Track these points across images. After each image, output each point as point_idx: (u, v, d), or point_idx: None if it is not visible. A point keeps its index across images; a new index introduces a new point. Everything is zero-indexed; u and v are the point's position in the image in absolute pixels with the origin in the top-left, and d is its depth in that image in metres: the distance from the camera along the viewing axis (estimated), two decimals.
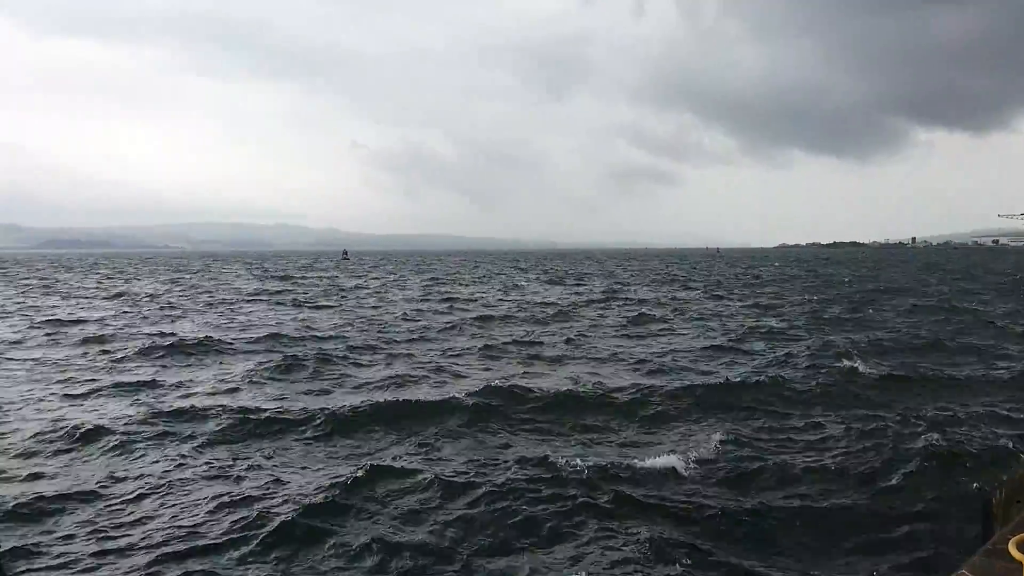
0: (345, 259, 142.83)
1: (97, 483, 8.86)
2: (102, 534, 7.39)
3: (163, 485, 8.79)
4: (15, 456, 10.01)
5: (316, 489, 8.56)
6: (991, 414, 11.93)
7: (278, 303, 36.00)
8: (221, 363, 17.61)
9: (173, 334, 21.91)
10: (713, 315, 29.25)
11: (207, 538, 7.24)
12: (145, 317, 28.92)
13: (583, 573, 6.58)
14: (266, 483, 8.83)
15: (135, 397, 13.73)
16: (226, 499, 8.19)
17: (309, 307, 33.76)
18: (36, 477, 9.17)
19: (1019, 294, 39.26)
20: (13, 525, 7.61)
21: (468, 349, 19.59)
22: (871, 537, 7.36)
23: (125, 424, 11.54)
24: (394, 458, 9.85)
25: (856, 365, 16.19)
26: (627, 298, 38.72)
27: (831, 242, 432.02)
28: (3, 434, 11.07)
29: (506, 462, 9.57)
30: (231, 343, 20.60)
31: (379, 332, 23.21)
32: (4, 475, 9.20)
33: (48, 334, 23.07)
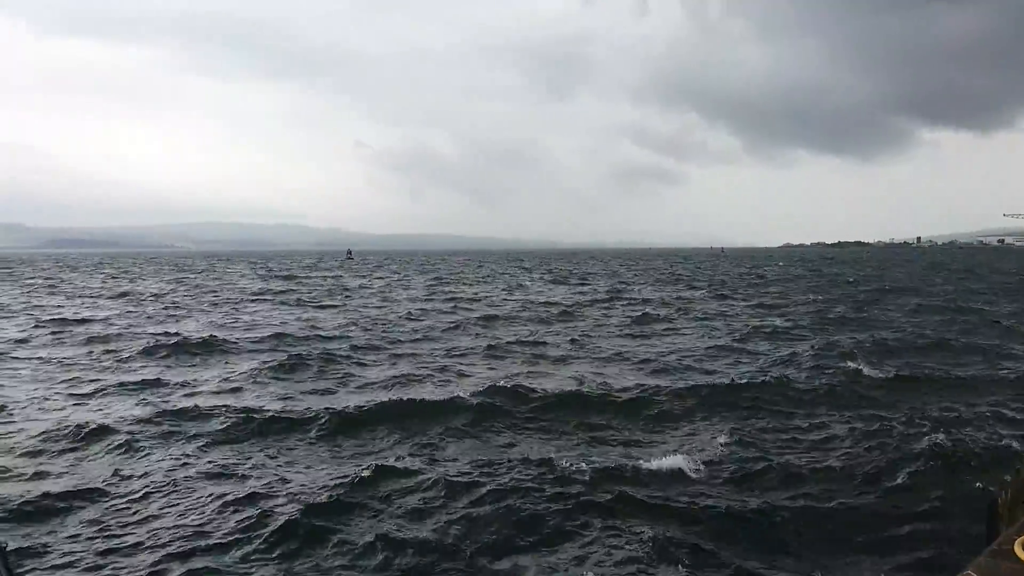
0: (349, 259, 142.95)
1: (102, 482, 8.89)
2: (108, 533, 7.42)
3: (168, 484, 8.81)
4: (21, 455, 10.05)
5: (321, 488, 8.57)
6: (997, 414, 11.90)
7: (282, 303, 36.06)
8: (226, 362, 17.65)
9: (178, 333, 21.96)
10: (717, 315, 29.22)
11: (212, 537, 7.26)
12: (150, 316, 28.99)
13: (588, 573, 6.58)
14: (271, 482, 8.85)
15: (140, 396, 13.77)
16: (231, 498, 8.21)
17: (313, 307, 33.81)
18: (42, 476, 9.21)
19: None
20: (19, 523, 7.65)
21: (472, 349, 19.60)
22: (876, 537, 7.35)
23: (130, 423, 11.57)
24: (398, 458, 9.87)
25: (861, 365, 16.16)
26: (631, 298, 38.70)
27: (835, 242, 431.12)
28: (9, 433, 11.12)
29: (510, 462, 9.57)
30: (236, 342, 20.64)
31: (383, 332, 23.24)
32: (10, 474, 9.24)
33: (53, 333, 23.17)
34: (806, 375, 15.45)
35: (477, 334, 22.95)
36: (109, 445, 10.46)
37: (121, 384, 14.87)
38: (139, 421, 11.70)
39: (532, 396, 13.17)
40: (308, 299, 38.30)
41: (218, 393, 14.15)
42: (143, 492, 8.57)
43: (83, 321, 26.60)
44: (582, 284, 52.84)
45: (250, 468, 9.47)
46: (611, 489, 8.37)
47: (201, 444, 10.58)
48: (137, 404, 13.11)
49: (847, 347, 19.03)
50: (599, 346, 20.32)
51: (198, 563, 6.70)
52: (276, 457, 10.07)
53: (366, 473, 9.06)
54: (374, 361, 17.81)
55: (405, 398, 13.00)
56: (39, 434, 10.94)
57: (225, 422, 11.53)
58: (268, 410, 12.38)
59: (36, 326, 24.67)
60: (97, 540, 7.25)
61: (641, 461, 9.56)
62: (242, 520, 7.63)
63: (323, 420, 11.60)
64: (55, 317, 27.86)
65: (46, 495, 8.36)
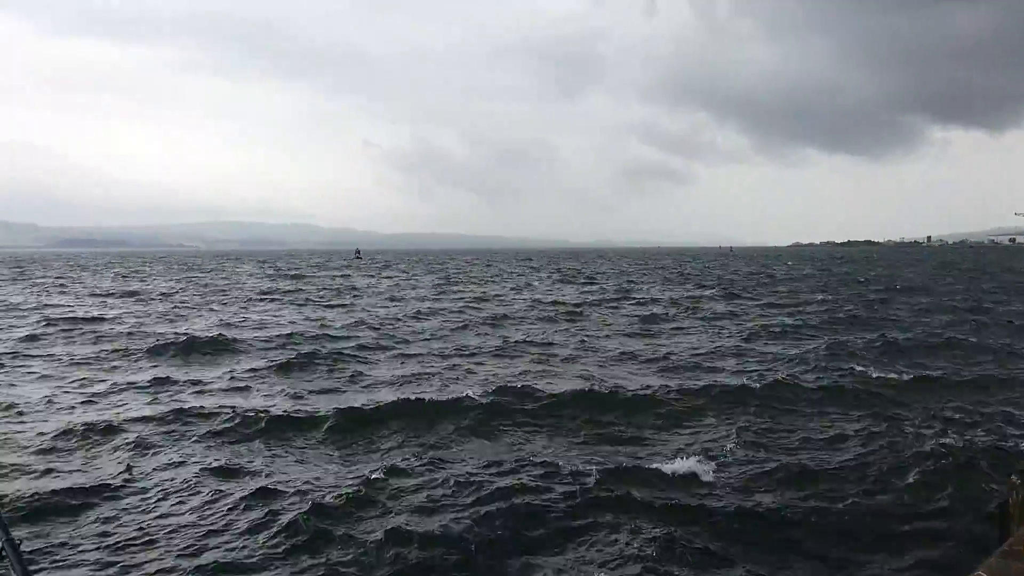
0: (358, 258, 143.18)
1: (114, 480, 8.94)
2: (119, 529, 7.46)
3: (179, 482, 8.86)
4: (33, 453, 10.13)
5: (330, 487, 8.61)
6: (1008, 415, 11.83)
7: (291, 302, 36.16)
8: (235, 361, 17.72)
9: (187, 332, 22.07)
10: (726, 314, 29.13)
11: (223, 534, 7.30)
12: (160, 315, 29.14)
13: (597, 572, 6.59)
14: (280, 480, 8.89)
15: (150, 395, 13.86)
16: (241, 496, 8.24)
17: (322, 306, 33.89)
18: (54, 473, 9.27)
19: None
20: (33, 520, 7.70)
21: (481, 348, 19.61)
22: (886, 537, 7.31)
23: (140, 422, 11.65)
24: (407, 457, 9.89)
25: (870, 365, 16.08)
26: (639, 297, 38.64)
27: (845, 241, 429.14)
28: (21, 431, 11.20)
29: (519, 461, 9.58)
30: (245, 341, 20.72)
31: (392, 331, 23.27)
32: (23, 471, 9.31)
33: (64, 332, 23.30)
34: (816, 375, 15.39)
35: (486, 333, 22.96)
36: (120, 443, 10.53)
37: (131, 383, 14.95)
38: (149, 419, 11.77)
39: (540, 395, 13.18)
40: (317, 298, 38.41)
41: (227, 392, 14.22)
42: (154, 490, 8.62)
43: (94, 320, 26.75)
44: (590, 283, 52.79)
45: (260, 466, 9.52)
46: (619, 489, 8.36)
47: (211, 442, 10.63)
48: (147, 403, 13.19)
49: (857, 347, 18.96)
50: (607, 345, 20.30)
51: (209, 560, 6.73)
52: (285, 456, 10.11)
53: (375, 472, 9.09)
54: (383, 360, 17.85)
55: (414, 397, 13.02)
56: (51, 432, 11.02)
57: (235, 421, 11.58)
58: (277, 409, 12.43)
59: (47, 325, 24.82)
60: (109, 536, 7.30)
61: (650, 461, 9.55)
62: (252, 517, 7.66)
63: (332, 419, 11.63)
64: (66, 316, 28.04)
65: (58, 492, 8.42)
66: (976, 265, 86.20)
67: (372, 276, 66.14)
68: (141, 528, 7.50)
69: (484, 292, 42.97)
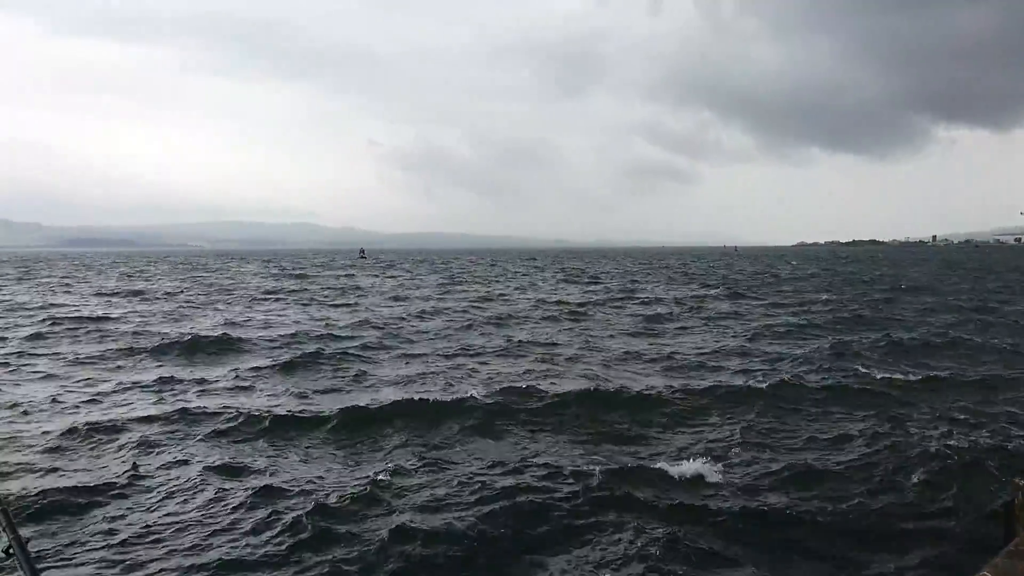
0: (362, 258, 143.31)
1: (118, 479, 8.97)
2: (126, 528, 7.49)
3: (184, 481, 8.89)
4: (39, 452, 10.16)
5: (334, 486, 8.63)
6: (1013, 415, 11.80)
7: (295, 301, 36.23)
8: (239, 361, 17.76)
9: (192, 332, 22.12)
10: (730, 314, 29.11)
11: (228, 533, 7.33)
12: (165, 314, 29.21)
13: (601, 572, 6.59)
14: (285, 480, 8.91)
15: (155, 394, 13.90)
16: (246, 495, 8.27)
17: (327, 305, 33.94)
18: (60, 473, 9.31)
19: None
20: (39, 519, 7.74)
21: (485, 348, 19.63)
22: (891, 538, 7.30)
23: (145, 421, 11.69)
24: (411, 456, 9.91)
25: (875, 365, 16.05)
26: (643, 297, 38.61)
27: (850, 240, 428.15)
28: (27, 431, 11.25)
29: (522, 461, 9.59)
30: (249, 341, 20.77)
31: (396, 331, 23.30)
32: (29, 471, 9.35)
33: (69, 330, 23.38)
34: (820, 375, 15.37)
35: (490, 333, 22.97)
36: (125, 442, 10.56)
37: (136, 382, 15.00)
38: (154, 419, 11.81)
39: (544, 395, 13.19)
40: (321, 298, 38.47)
41: (232, 391, 14.26)
42: (159, 489, 8.65)
43: (99, 319, 26.83)
44: (594, 283, 52.78)
45: (264, 465, 9.54)
46: (624, 488, 8.36)
47: (216, 442, 10.67)
48: (152, 402, 13.23)
49: (862, 347, 18.93)
50: (611, 345, 20.30)
51: (214, 558, 6.76)
52: (290, 455, 10.14)
53: (379, 471, 9.11)
54: (387, 360, 17.88)
55: (418, 397, 13.04)
56: (56, 431, 11.06)
57: (239, 420, 11.61)
58: (282, 408, 12.47)
59: (53, 324, 24.91)
60: (115, 535, 7.33)
61: (654, 460, 9.56)
62: (257, 516, 7.69)
63: (336, 419, 11.66)
64: (71, 315, 28.12)
65: (64, 491, 8.46)
66: (981, 264, 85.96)
67: (376, 276, 66.22)
68: (147, 527, 7.53)
69: (488, 292, 42.98)
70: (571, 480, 8.72)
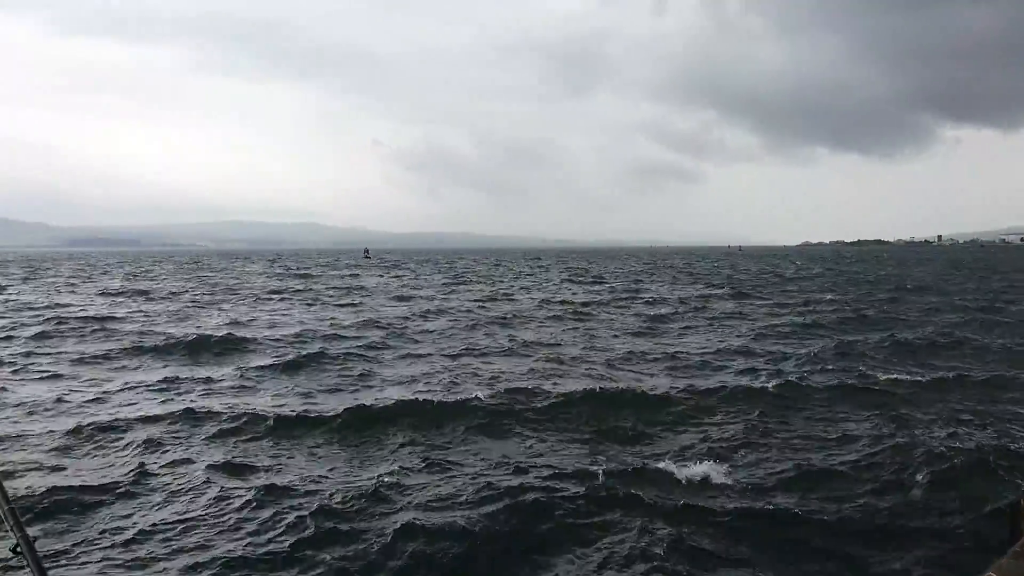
0: (366, 257, 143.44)
1: (123, 478, 9.00)
2: (132, 528, 7.52)
3: (188, 480, 8.92)
4: (45, 452, 10.20)
5: (338, 485, 8.65)
6: (1018, 415, 11.77)
7: (300, 301, 36.30)
8: (244, 360, 17.80)
9: (197, 332, 22.18)
10: (734, 314, 29.08)
11: (232, 531, 7.35)
12: (170, 314, 29.30)
13: (605, 573, 6.59)
14: (290, 479, 8.93)
15: (160, 393, 13.95)
16: (251, 495, 8.28)
17: (331, 305, 34.00)
18: (66, 473, 9.34)
19: None
20: (46, 518, 7.77)
21: (489, 347, 19.64)
22: (896, 538, 7.29)
23: (150, 420, 11.72)
24: (415, 456, 9.93)
25: (880, 364, 16.02)
26: (648, 296, 38.60)
27: (855, 240, 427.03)
28: (33, 431, 11.28)
29: (526, 460, 9.60)
30: (254, 340, 20.82)
31: (401, 330, 23.33)
32: (35, 470, 9.38)
33: (75, 330, 23.46)
34: (825, 375, 15.35)
35: (494, 333, 22.98)
36: (130, 442, 10.60)
37: (141, 381, 15.05)
38: (159, 418, 11.85)
39: (549, 395, 13.19)
40: (326, 297, 38.54)
41: (237, 390, 14.29)
42: (165, 488, 8.68)
43: (104, 319, 26.91)
44: (599, 282, 52.77)
45: (269, 465, 9.57)
46: (628, 489, 8.36)
47: (221, 441, 10.69)
48: (157, 401, 13.27)
49: (866, 346, 18.90)
50: (616, 345, 20.29)
51: (220, 556, 6.78)
52: (294, 454, 10.16)
53: (383, 470, 9.14)
54: (391, 360, 17.90)
55: (422, 397, 13.05)
56: (61, 431, 11.09)
57: (244, 419, 11.63)
58: (286, 408, 12.50)
59: (58, 323, 24.99)
60: (121, 534, 7.36)
61: (658, 460, 9.55)
62: (262, 515, 7.71)
63: (341, 418, 11.67)
64: (77, 315, 28.22)
65: (70, 490, 8.49)
66: (987, 264, 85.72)
67: (381, 275, 66.31)
68: (153, 526, 7.55)
69: (493, 291, 43.01)
70: (576, 480, 8.73)
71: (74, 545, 7.14)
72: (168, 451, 10.21)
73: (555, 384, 14.29)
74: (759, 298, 36.89)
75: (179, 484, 8.81)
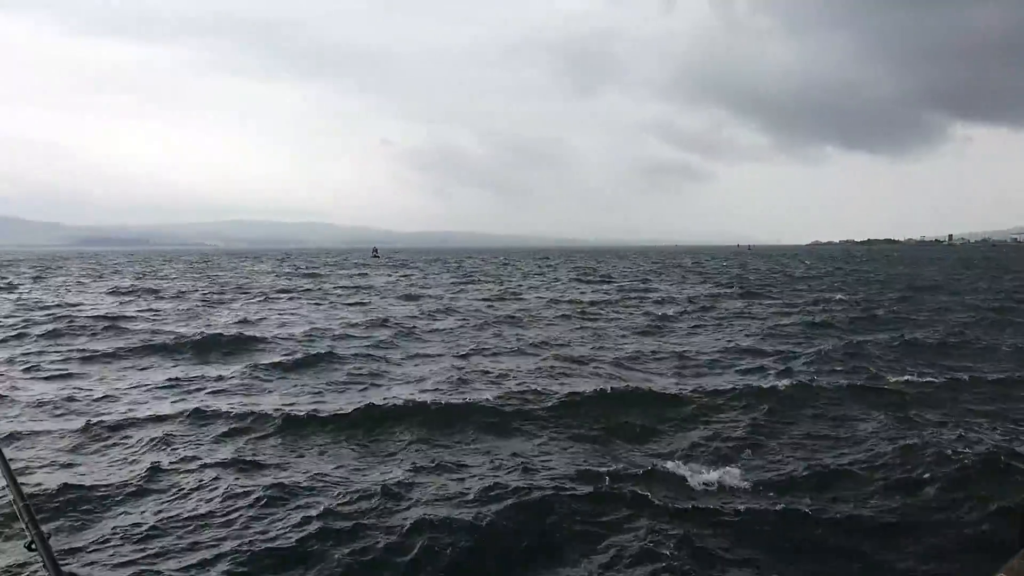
0: (375, 257, 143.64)
1: (135, 476, 9.06)
2: (141, 525, 7.57)
3: (198, 479, 8.97)
4: (56, 449, 10.28)
5: (347, 484, 8.68)
6: None
7: (309, 300, 36.41)
8: (254, 359, 17.86)
9: (207, 330, 22.29)
10: (743, 313, 29.00)
11: (243, 529, 7.39)
12: (180, 313, 29.44)
13: (612, 572, 6.60)
14: (297, 477, 8.97)
15: (170, 392, 14.03)
16: (260, 495, 8.32)
17: (340, 304, 34.09)
18: (76, 470, 9.41)
19: None
20: (59, 516, 7.84)
21: (498, 347, 19.66)
22: (905, 538, 7.27)
23: (160, 419, 11.80)
24: (424, 456, 9.96)
25: (890, 364, 15.95)
26: (656, 296, 38.53)
27: (865, 239, 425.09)
28: (44, 430, 11.37)
29: (535, 460, 9.62)
30: (263, 339, 20.90)
31: (409, 330, 23.37)
32: (47, 469, 9.46)
33: (86, 328, 23.61)
34: (834, 374, 15.30)
35: (503, 332, 23.00)
36: (141, 440, 10.67)
37: (151, 380, 15.14)
38: (170, 417, 11.92)
39: (557, 395, 13.19)
40: (334, 297, 38.64)
41: (246, 389, 14.36)
42: (176, 486, 8.74)
43: (115, 318, 27.05)
44: (607, 282, 52.71)
45: (278, 463, 9.61)
46: (636, 488, 8.36)
47: (231, 439, 10.75)
48: (168, 400, 13.35)
49: (876, 346, 18.81)
50: (624, 344, 20.28)
51: (231, 554, 6.82)
52: (303, 453, 10.20)
53: (392, 469, 9.17)
54: (400, 359, 17.94)
55: (431, 397, 13.08)
56: (73, 429, 11.18)
57: (254, 418, 11.69)
58: (295, 407, 12.54)
59: (69, 322, 25.15)
60: (134, 531, 7.41)
61: (667, 460, 9.55)
62: (271, 513, 7.76)
63: (349, 417, 11.72)
64: (88, 314, 28.40)
65: (83, 488, 8.55)
66: (999, 264, 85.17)
67: (389, 275, 66.42)
68: (164, 523, 7.61)
69: (501, 290, 43.03)
70: (584, 479, 8.74)
71: (87, 542, 7.21)
72: (178, 449, 10.27)
73: (564, 384, 14.30)
74: (768, 297, 36.76)
75: (189, 482, 8.86)
